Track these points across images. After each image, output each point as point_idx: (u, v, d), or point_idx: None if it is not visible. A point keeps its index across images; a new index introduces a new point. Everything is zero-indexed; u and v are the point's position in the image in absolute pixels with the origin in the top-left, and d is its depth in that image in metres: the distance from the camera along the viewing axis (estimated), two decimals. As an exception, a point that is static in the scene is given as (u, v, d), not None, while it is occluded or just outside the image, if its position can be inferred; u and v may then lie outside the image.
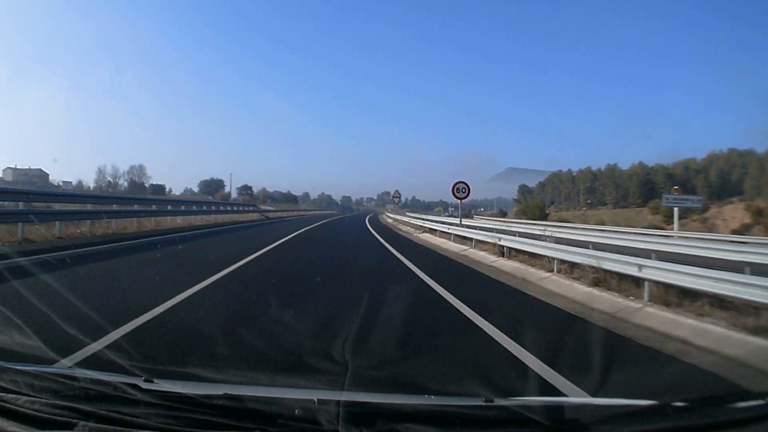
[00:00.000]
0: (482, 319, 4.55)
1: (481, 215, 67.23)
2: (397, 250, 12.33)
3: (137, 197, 32.74)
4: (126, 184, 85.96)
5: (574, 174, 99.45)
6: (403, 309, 4.97)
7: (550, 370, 3.11)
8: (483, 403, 1.36)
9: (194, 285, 5.82)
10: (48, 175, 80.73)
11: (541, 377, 3.02)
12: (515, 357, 3.47)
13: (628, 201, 78.80)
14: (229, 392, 1.31)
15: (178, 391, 1.35)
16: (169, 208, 21.36)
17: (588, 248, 8.00)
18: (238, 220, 27.62)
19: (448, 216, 48.46)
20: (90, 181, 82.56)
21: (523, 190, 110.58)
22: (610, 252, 6.89)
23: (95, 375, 1.50)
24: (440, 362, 3.37)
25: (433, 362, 3.35)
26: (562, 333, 4.50)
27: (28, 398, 1.28)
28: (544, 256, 8.22)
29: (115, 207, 15.91)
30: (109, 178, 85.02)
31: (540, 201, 77.97)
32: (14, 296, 4.55)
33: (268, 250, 11.15)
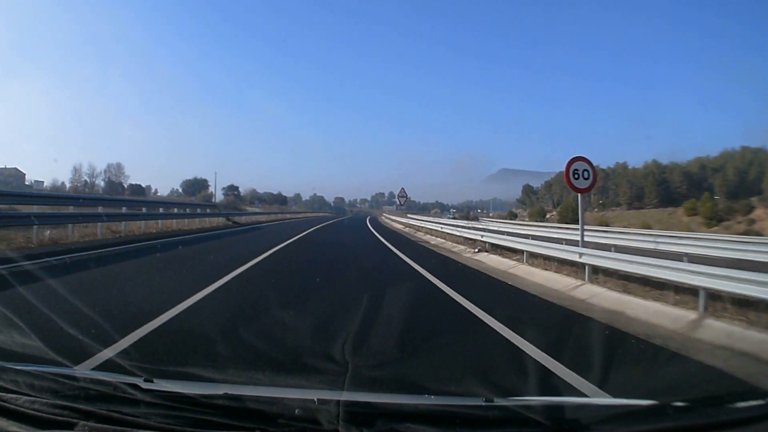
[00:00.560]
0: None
1: (486, 218, 63.06)
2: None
3: None
4: (103, 183, 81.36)
5: None
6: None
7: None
8: (483, 403, 1.36)
9: None
10: (24, 174, 77.74)
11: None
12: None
13: (643, 201, 75.48)
14: (229, 392, 1.31)
15: (178, 391, 1.35)
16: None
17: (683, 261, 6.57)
18: (175, 230, 17.42)
19: (452, 218, 45.61)
20: (66, 181, 78.02)
21: (528, 190, 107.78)
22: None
23: (95, 375, 1.50)
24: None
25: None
26: None
27: (28, 398, 1.28)
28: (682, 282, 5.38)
29: None
30: (86, 178, 79.70)
31: (540, 207, 74.59)
32: None
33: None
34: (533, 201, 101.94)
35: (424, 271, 8.73)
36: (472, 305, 5.46)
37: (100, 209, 14.75)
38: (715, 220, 50.08)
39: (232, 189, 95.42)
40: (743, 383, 3.31)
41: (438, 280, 7.48)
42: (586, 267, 7.16)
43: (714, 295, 5.06)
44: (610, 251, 8.68)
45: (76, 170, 78.90)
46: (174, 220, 19.30)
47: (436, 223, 22.21)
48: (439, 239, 17.53)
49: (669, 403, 1.26)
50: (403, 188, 32.96)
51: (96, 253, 9.11)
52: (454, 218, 46.01)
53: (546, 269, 8.46)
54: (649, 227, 34.62)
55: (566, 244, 9.29)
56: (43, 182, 77.15)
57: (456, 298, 5.99)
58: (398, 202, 34.39)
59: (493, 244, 12.14)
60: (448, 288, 6.74)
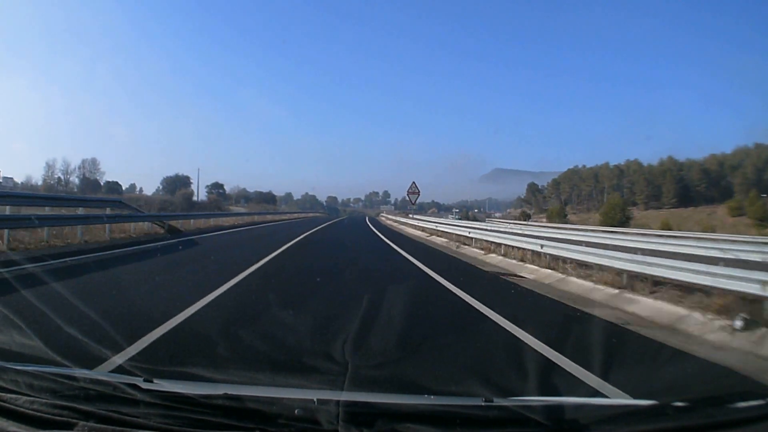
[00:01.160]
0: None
1: (495, 219, 58.42)
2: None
3: None
4: (77, 180, 75.66)
5: (589, 170, 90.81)
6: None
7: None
8: (483, 403, 1.36)
9: None
10: (-1, 171, 71.18)
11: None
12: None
13: (661, 200, 72.11)
14: (229, 392, 1.31)
15: (178, 391, 1.35)
16: None
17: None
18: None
19: (459, 219, 41.77)
20: (38, 178, 72.64)
21: (533, 189, 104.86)
22: None
23: (95, 375, 1.50)
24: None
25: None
26: None
27: (28, 398, 1.28)
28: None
29: None
30: (59, 174, 74.39)
31: (560, 206, 69.10)
32: None
33: None
34: (539, 200, 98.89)
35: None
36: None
37: None
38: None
39: (216, 187, 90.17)
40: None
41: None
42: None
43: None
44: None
45: (50, 166, 73.86)
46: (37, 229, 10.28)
47: (480, 230, 14.96)
48: (500, 257, 11.18)
49: (669, 403, 1.26)
50: (414, 182, 26.71)
51: None
52: (459, 219, 43.53)
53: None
54: (712, 230, 30.88)
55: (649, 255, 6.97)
56: (12, 179, 70.53)
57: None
58: (409, 200, 27.58)
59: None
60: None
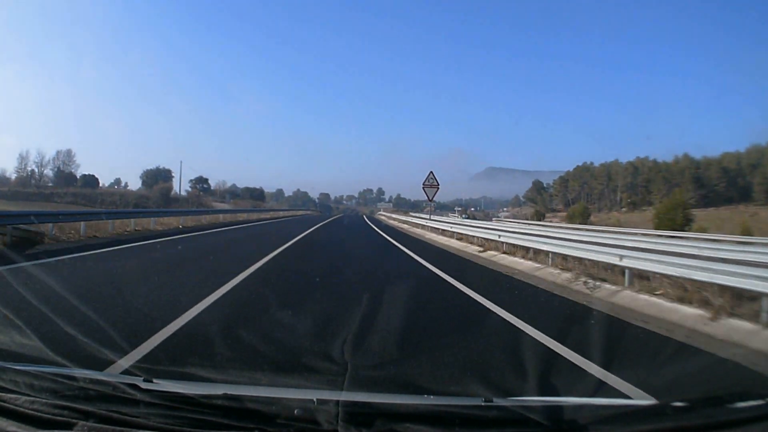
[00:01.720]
0: None
1: (502, 219, 54.14)
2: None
3: None
4: (51, 173, 70.89)
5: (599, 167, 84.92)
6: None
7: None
8: (482, 403, 1.37)
9: None
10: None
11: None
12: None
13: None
14: (229, 392, 1.31)
15: (178, 391, 1.35)
16: None
17: None
18: None
19: (466, 218, 37.46)
20: (11, 170, 68.84)
21: (538, 186, 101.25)
22: None
23: (95, 375, 1.50)
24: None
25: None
26: None
27: (28, 398, 1.29)
28: None
29: None
30: (33, 167, 69.67)
31: (584, 206, 63.39)
32: None
33: None
34: (545, 199, 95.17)
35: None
36: None
37: None
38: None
39: (200, 181, 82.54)
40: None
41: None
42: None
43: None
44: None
45: (23, 158, 69.01)
46: None
47: (513, 233, 12.53)
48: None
49: (668, 403, 1.26)
50: (432, 173, 21.16)
51: None
52: (467, 218, 39.36)
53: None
54: (749, 233, 25.70)
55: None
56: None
57: None
58: (426, 196, 21.69)
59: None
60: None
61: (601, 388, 2.97)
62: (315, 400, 1.26)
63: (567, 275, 7.99)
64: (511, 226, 20.98)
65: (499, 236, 12.22)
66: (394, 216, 43.89)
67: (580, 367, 3.40)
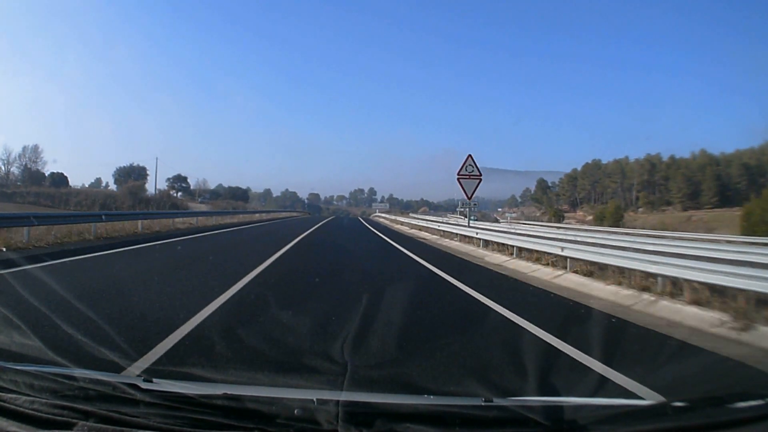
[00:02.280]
0: None
1: (512, 221, 48.06)
2: None
3: None
4: (18, 171, 65.68)
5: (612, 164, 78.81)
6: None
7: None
8: (482, 403, 1.37)
9: None
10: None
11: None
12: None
13: (700, 200, 62.82)
14: (229, 392, 1.31)
15: (178, 391, 1.35)
16: None
17: None
18: None
19: (475, 220, 36.73)
20: None
21: (543, 186, 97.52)
22: None
23: (95, 375, 1.50)
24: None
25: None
26: None
27: (28, 398, 1.29)
28: None
29: None
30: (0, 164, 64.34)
31: (616, 206, 57.69)
32: None
33: None
34: (550, 198, 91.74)
35: None
36: None
37: None
38: None
39: (178, 180, 75.45)
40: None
41: None
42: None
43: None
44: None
45: None
46: None
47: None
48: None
49: (669, 403, 1.27)
50: (470, 156, 15.91)
51: None
52: (475, 219, 37.25)
53: None
54: None
55: None
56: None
57: None
58: (464, 192, 16.33)
59: None
60: None
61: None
62: (315, 400, 1.25)
63: (711, 316, 4.99)
64: (545, 231, 17.76)
65: (562, 249, 8.64)
66: (400, 219, 35.60)
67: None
